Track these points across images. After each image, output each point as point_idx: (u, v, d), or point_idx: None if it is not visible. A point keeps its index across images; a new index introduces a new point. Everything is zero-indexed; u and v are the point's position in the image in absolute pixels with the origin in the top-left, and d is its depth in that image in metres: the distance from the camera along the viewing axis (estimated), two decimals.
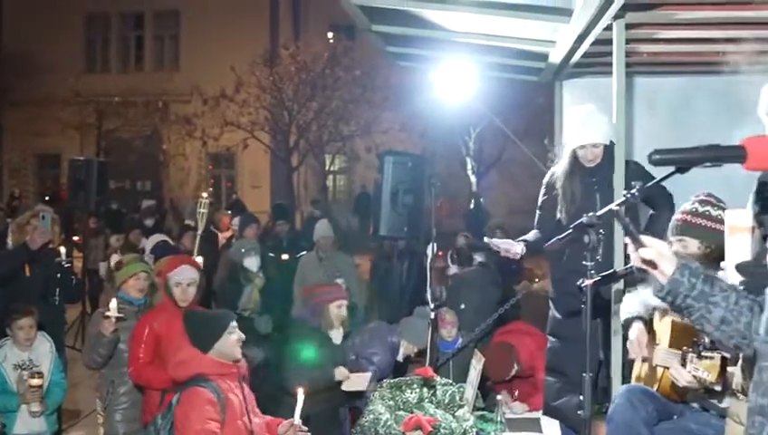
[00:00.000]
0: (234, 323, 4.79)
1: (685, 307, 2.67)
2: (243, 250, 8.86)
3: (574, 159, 5.78)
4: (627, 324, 4.61)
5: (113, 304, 5.82)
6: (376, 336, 7.12)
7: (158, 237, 9.98)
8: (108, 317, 5.78)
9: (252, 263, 8.73)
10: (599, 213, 2.76)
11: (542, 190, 6.08)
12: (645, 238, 2.70)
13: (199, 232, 7.89)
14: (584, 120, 5.73)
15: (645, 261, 2.69)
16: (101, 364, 6.03)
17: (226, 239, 11.75)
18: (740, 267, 3.23)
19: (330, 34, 27.46)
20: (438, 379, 6.14)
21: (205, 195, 9.71)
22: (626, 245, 2.79)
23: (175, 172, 28.45)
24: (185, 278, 5.92)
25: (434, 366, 6.57)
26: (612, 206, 2.69)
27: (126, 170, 27.21)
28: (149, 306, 6.25)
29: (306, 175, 28.65)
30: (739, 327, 2.62)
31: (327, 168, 28.51)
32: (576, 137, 5.73)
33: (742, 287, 2.79)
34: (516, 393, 6.99)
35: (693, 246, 4.03)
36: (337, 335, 6.81)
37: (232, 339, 4.73)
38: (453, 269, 9.63)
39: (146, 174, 28.83)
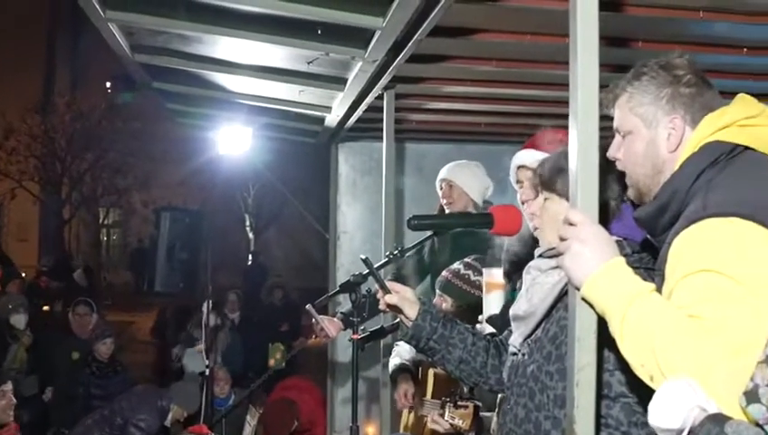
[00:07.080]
0: (3, 388, 4.63)
1: (428, 349, 2.92)
2: (9, 306, 8.45)
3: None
4: (394, 376, 4.87)
5: None
6: (144, 400, 6.91)
7: None
8: None
9: (19, 320, 8.34)
10: (365, 272, 2.95)
11: None
12: (391, 284, 2.93)
13: None
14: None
15: (390, 306, 2.91)
16: None
17: None
18: (489, 320, 3.56)
19: (108, 84, 26.80)
20: None
21: None
22: (376, 291, 3.01)
23: None
24: None
25: (208, 423, 6.55)
26: (362, 256, 2.89)
27: None
28: None
29: (78, 228, 27.53)
30: (476, 366, 2.91)
31: (101, 221, 27.59)
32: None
33: (491, 336, 3.07)
34: None
35: (449, 302, 4.35)
36: None
37: None
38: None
39: None
